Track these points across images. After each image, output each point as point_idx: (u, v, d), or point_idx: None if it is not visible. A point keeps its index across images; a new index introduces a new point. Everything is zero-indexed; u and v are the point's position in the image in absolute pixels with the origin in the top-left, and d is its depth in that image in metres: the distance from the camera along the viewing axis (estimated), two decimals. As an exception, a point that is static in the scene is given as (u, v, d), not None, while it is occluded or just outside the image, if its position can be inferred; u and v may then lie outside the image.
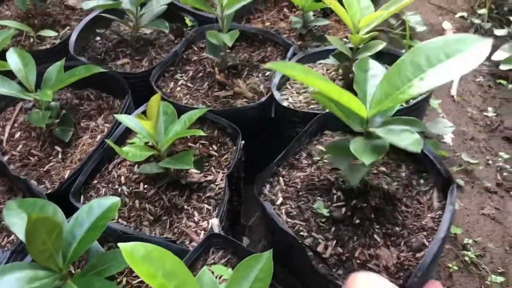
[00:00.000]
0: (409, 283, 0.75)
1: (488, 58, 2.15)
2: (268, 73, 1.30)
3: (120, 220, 0.97)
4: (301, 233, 0.84)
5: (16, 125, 1.19)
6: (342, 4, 1.09)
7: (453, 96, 1.97)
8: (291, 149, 0.99)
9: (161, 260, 0.60)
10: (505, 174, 1.69)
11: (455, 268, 1.32)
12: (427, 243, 0.84)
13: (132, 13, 1.33)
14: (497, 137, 1.84)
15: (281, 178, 0.95)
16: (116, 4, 1.27)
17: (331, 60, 1.18)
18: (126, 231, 0.91)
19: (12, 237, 0.94)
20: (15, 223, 0.72)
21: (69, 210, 0.79)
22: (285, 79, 1.24)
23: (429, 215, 0.89)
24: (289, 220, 0.86)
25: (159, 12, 1.37)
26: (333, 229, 0.85)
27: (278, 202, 0.90)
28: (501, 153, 1.73)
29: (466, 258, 1.36)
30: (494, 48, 2.17)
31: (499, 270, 1.35)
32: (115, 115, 1.01)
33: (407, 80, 0.70)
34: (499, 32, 2.12)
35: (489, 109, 1.92)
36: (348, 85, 1.18)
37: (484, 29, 2.27)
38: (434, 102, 1.67)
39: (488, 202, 1.57)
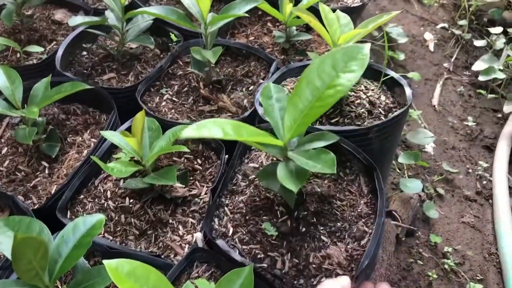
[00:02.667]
0: (358, 272, 0.80)
1: (469, 68, 2.21)
2: (251, 87, 1.33)
3: (106, 234, 0.99)
4: (258, 256, 0.87)
5: (3, 140, 1.20)
6: (321, 21, 1.13)
7: (434, 106, 2.02)
8: (228, 176, 1.02)
9: (145, 276, 0.63)
10: (484, 182, 1.73)
11: (435, 276, 1.36)
12: (367, 230, 0.90)
13: (118, 29, 1.35)
14: (477, 146, 1.89)
15: (226, 208, 0.97)
16: (102, 20, 1.30)
17: (312, 75, 1.21)
18: (111, 246, 0.93)
19: (-1, 253, 0.95)
20: (1, 241, 0.73)
21: (56, 225, 0.80)
22: (268, 93, 1.27)
23: (362, 201, 0.96)
24: (244, 247, 0.89)
25: (145, 27, 1.40)
26: (284, 243, 0.88)
27: (230, 232, 0.92)
28: (480, 162, 1.78)
29: (446, 266, 1.40)
30: (474, 59, 2.24)
31: (478, 277, 1.39)
32: (100, 132, 1.03)
33: (307, 102, 0.76)
34: (478, 43, 2.18)
35: (469, 118, 1.97)
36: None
37: (464, 39, 2.34)
38: (414, 113, 1.71)
39: (467, 211, 1.62)
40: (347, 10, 1.65)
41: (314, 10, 1.24)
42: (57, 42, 1.47)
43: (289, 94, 0.82)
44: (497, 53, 2.14)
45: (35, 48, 1.34)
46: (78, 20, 1.27)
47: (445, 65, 2.22)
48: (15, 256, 0.62)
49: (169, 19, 1.16)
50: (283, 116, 0.84)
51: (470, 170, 1.77)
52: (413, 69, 2.14)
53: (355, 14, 1.78)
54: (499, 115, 1.99)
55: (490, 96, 2.02)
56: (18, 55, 1.41)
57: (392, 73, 1.26)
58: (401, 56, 2.07)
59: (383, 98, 1.26)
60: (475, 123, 1.96)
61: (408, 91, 1.20)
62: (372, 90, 1.27)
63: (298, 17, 1.40)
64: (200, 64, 1.27)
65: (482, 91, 2.06)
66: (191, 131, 0.69)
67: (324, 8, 1.16)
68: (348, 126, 1.11)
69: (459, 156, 1.83)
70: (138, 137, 0.96)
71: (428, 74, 2.15)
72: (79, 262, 0.81)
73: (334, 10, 1.56)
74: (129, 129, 1.18)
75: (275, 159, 1.04)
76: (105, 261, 0.61)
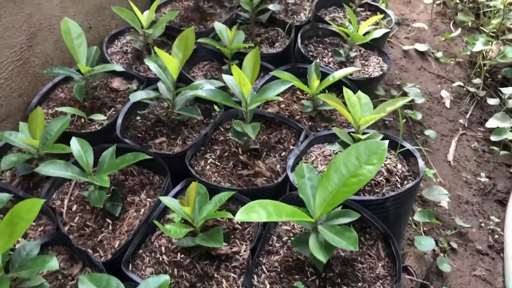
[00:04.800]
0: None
1: (483, 124, 2.37)
2: (283, 153, 1.53)
3: (162, 286, 1.18)
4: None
5: (72, 198, 1.42)
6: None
7: (449, 161, 2.18)
8: (265, 238, 1.21)
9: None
10: (496, 236, 1.87)
11: (447, 327, 1.50)
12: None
13: (169, 100, 1.57)
14: (490, 200, 2.03)
15: (263, 267, 1.17)
16: (157, 95, 1.52)
17: (337, 147, 1.41)
18: (168, 297, 1.12)
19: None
20: (89, 295, 0.93)
21: (119, 275, 1.00)
22: (298, 159, 1.47)
23: (380, 264, 1.15)
24: (279, 302, 1.09)
25: (192, 98, 1.62)
26: (314, 300, 1.07)
27: None
28: (492, 217, 1.92)
29: (457, 318, 1.53)
30: (489, 114, 2.40)
31: (486, 329, 1.52)
32: (159, 197, 1.24)
33: (335, 186, 0.96)
34: (491, 101, 2.34)
35: (483, 174, 2.12)
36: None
37: (479, 96, 2.50)
38: (430, 172, 1.87)
39: (479, 264, 1.76)
40: (369, 80, 1.86)
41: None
42: (116, 109, 1.70)
43: (320, 177, 1.01)
44: (510, 111, 2.30)
45: (98, 117, 1.57)
46: (138, 96, 1.50)
47: (461, 121, 2.38)
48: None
49: (216, 100, 1.38)
50: (314, 194, 1.03)
51: (483, 224, 1.91)
52: (430, 125, 2.31)
53: (376, 82, 1.98)
54: (512, 170, 2.13)
55: (502, 152, 2.16)
56: (83, 120, 1.64)
57: (408, 145, 1.44)
58: (419, 116, 2.24)
59: (399, 166, 1.44)
60: (488, 178, 2.10)
61: (421, 163, 1.38)
62: (390, 159, 1.45)
63: (324, 91, 1.61)
64: (240, 134, 1.48)
65: (495, 148, 2.20)
66: (242, 215, 0.88)
67: (347, 91, 1.36)
68: (368, 196, 1.29)
69: (472, 211, 1.97)
70: (191, 206, 1.16)
71: (444, 130, 2.32)
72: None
73: (357, 81, 1.77)
74: (180, 192, 1.39)
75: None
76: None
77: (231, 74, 1.86)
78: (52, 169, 1.27)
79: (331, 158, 1.49)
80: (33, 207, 0.99)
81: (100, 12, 2.00)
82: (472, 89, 2.51)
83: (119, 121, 1.57)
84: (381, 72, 1.91)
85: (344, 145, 1.40)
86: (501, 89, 2.35)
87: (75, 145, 1.34)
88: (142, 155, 1.34)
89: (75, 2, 1.83)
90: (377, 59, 2.01)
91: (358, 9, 2.28)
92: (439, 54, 2.71)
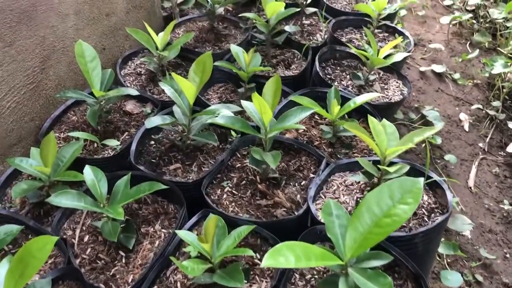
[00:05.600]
0: None
1: (503, 148, 2.30)
2: (303, 182, 1.47)
3: (178, 326, 1.12)
4: None
5: (84, 228, 1.37)
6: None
7: (470, 187, 2.10)
8: (287, 277, 1.15)
9: None
10: (522, 268, 1.78)
11: None
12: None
13: (185, 125, 1.52)
14: (514, 229, 1.95)
15: None
16: (173, 122, 1.47)
17: (361, 178, 1.34)
18: None
19: None
20: None
21: None
22: (319, 189, 1.41)
23: None
24: None
25: (207, 123, 1.56)
26: None
27: None
28: (517, 248, 1.84)
29: None
30: (509, 138, 2.33)
31: None
32: (176, 231, 1.18)
33: (367, 226, 0.88)
34: (511, 124, 2.27)
35: (505, 201, 2.04)
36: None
37: (499, 119, 2.44)
38: (453, 200, 1.80)
39: (506, 298, 1.67)
40: (390, 105, 1.80)
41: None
42: (129, 133, 1.66)
43: (350, 215, 0.95)
44: (532, 135, 2.23)
45: (112, 142, 1.53)
46: (153, 122, 1.45)
47: (480, 145, 2.31)
48: None
49: (234, 128, 1.33)
50: (344, 233, 0.97)
51: (508, 255, 1.83)
52: (449, 149, 2.24)
53: (396, 107, 1.93)
54: (535, 198, 2.06)
55: (525, 178, 2.09)
56: (96, 145, 1.59)
57: (435, 176, 1.38)
58: (438, 140, 2.18)
59: (425, 198, 1.37)
60: (511, 206, 2.02)
61: (449, 196, 1.31)
62: (415, 190, 1.38)
63: (343, 117, 1.56)
64: (258, 161, 1.42)
65: (517, 173, 2.13)
66: (269, 261, 0.82)
67: (372, 120, 1.30)
68: (396, 233, 1.22)
69: (496, 240, 1.90)
70: (210, 242, 1.10)
71: (464, 154, 2.25)
72: None
73: (378, 106, 1.72)
74: (196, 223, 1.34)
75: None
76: None
77: (248, 97, 1.83)
78: (64, 200, 1.22)
79: (353, 188, 1.43)
80: (46, 245, 0.94)
81: (114, 33, 1.97)
82: (492, 112, 2.45)
83: (133, 147, 1.53)
84: (401, 97, 1.86)
85: (369, 176, 1.34)
86: (522, 112, 2.28)
87: (89, 174, 1.29)
88: (158, 185, 1.28)
89: (89, 24, 1.80)
90: (397, 82, 1.96)
91: (376, 31, 2.24)
92: (457, 76, 2.66)
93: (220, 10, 2.20)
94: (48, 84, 1.65)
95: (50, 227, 1.36)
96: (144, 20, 2.11)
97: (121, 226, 1.31)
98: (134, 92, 1.61)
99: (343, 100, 1.62)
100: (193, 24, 2.31)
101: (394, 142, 1.30)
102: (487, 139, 2.35)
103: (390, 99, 1.84)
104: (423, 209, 1.33)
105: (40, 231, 1.31)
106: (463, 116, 2.44)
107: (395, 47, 2.09)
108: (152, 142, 1.64)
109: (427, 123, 2.27)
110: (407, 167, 1.28)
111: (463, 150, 2.28)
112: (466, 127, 2.39)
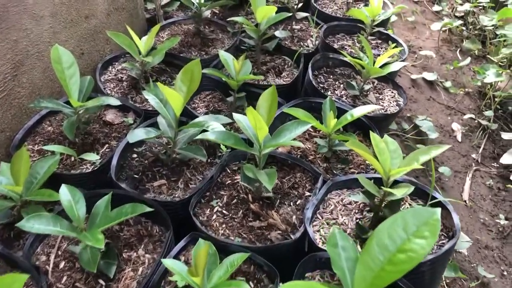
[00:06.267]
0: None
1: (496, 159, 2.25)
2: (298, 201, 1.37)
3: None
4: None
5: (59, 252, 1.24)
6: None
7: (465, 201, 2.04)
8: None
9: None
10: (520, 287, 1.73)
11: None
12: None
13: (171, 138, 1.41)
14: (510, 244, 1.90)
15: None
16: (158, 135, 1.36)
17: (360, 198, 1.25)
18: None
19: None
20: None
21: None
22: (316, 209, 1.31)
23: None
24: None
25: (194, 136, 1.45)
26: None
27: None
28: (515, 265, 1.78)
29: None
30: (502, 149, 2.28)
31: None
32: (162, 260, 1.06)
33: (379, 262, 0.78)
34: (506, 135, 2.22)
35: (501, 215, 1.99)
36: (377, 221, 1.25)
37: (491, 129, 2.39)
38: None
39: (506, 320, 1.61)
40: (386, 117, 1.72)
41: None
42: (109, 145, 1.53)
43: (360, 255, 0.85)
44: (525, 146, 2.18)
45: (91, 156, 1.40)
46: (136, 136, 1.33)
47: (473, 156, 2.26)
48: None
49: (226, 144, 1.22)
50: (351, 268, 0.87)
51: (505, 273, 1.77)
52: (442, 161, 2.18)
53: (392, 118, 1.85)
54: (530, 211, 2.01)
55: (519, 191, 2.04)
56: (73, 158, 1.47)
57: (440, 197, 1.30)
58: (433, 152, 2.11)
59: (428, 219, 1.29)
60: (506, 220, 1.97)
61: (456, 219, 1.23)
62: (418, 210, 1.30)
63: (340, 130, 1.47)
64: (250, 179, 1.32)
65: (511, 185, 2.08)
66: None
67: (375, 137, 1.21)
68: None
69: (493, 257, 1.83)
70: (201, 275, 0.99)
71: (457, 166, 2.19)
72: None
73: (374, 118, 1.63)
74: (184, 248, 1.23)
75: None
76: None
77: (237, 107, 1.73)
78: (37, 224, 1.09)
79: (352, 208, 1.34)
80: (14, 283, 0.82)
81: (94, 36, 1.83)
82: (484, 122, 2.40)
83: (114, 161, 1.40)
84: (397, 108, 1.78)
85: (369, 195, 1.25)
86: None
87: (65, 194, 1.16)
88: (142, 207, 1.16)
89: (67, 27, 1.66)
90: (392, 92, 1.88)
91: (369, 37, 2.16)
92: (448, 84, 2.60)
93: (207, 13, 2.09)
94: (21, 92, 1.51)
95: (21, 251, 1.24)
96: (126, 23, 1.99)
97: (101, 251, 1.19)
98: (115, 102, 1.48)
99: (339, 112, 1.53)
100: (178, 27, 2.19)
101: (397, 160, 1.22)
102: (480, 150, 2.29)
103: (386, 110, 1.76)
104: (426, 232, 1.25)
105: (9, 258, 1.18)
106: (455, 126, 2.38)
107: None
108: (135, 155, 1.52)
109: (421, 134, 2.20)
110: (411, 188, 1.20)
111: (457, 161, 2.23)
112: (459, 137, 2.34)
